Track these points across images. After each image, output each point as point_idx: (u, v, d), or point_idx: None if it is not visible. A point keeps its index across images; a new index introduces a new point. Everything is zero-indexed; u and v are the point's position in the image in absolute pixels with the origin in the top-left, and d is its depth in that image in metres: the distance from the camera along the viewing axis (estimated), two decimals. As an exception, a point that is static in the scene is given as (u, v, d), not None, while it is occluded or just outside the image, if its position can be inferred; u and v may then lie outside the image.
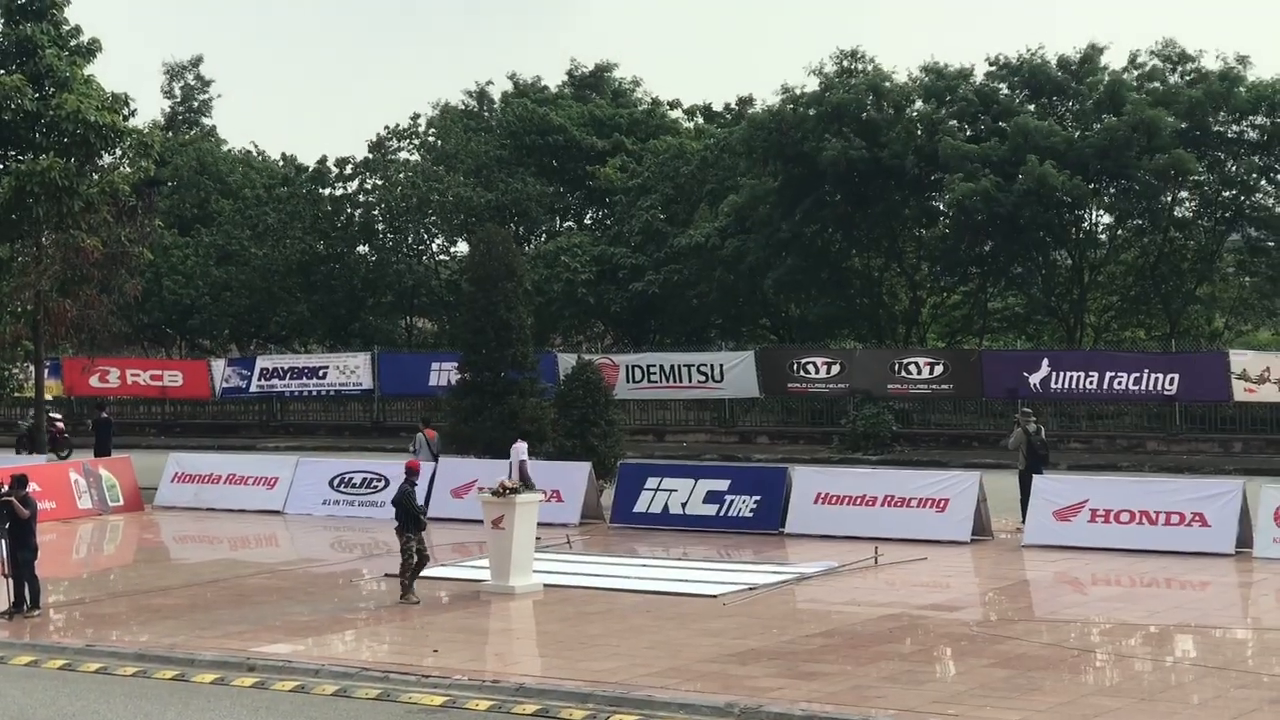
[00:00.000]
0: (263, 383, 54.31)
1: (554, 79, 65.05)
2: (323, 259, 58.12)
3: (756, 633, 19.72)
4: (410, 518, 22.41)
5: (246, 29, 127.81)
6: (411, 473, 23.03)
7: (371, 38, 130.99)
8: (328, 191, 59.02)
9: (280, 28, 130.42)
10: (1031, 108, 48.37)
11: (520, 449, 26.68)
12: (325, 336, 59.91)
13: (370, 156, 59.89)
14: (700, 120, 61.74)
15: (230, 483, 34.81)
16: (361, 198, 58.81)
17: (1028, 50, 48.80)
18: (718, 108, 62.21)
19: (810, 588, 23.65)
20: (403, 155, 60.75)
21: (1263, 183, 46.49)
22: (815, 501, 28.84)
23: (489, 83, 65.77)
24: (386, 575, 24.17)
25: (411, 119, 61.42)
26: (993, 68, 49.19)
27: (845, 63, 50.24)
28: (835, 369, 46.44)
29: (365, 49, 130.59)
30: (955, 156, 45.55)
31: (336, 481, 33.71)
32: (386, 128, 60.56)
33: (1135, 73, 48.01)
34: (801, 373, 46.82)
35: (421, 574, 22.72)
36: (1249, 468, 37.69)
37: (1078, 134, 46.19)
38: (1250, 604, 22.95)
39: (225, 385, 54.83)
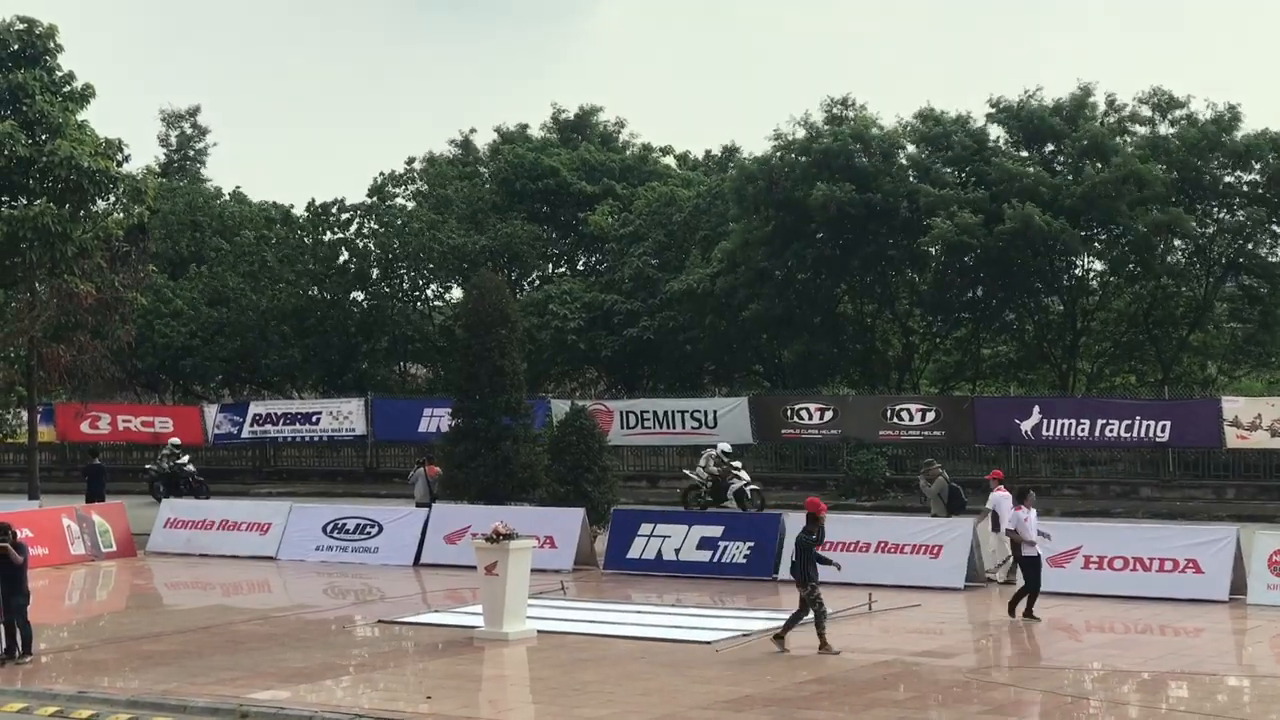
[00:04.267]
0: (255, 428, 54.24)
1: (537, 126, 65.19)
2: (317, 304, 58.05)
3: (750, 679, 19.69)
4: (807, 567, 21.72)
5: (236, 79, 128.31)
6: (812, 520, 22.25)
7: (357, 87, 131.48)
8: (327, 236, 58.84)
9: (263, 82, 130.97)
10: (1025, 154, 48.41)
11: (997, 498, 26.53)
12: (319, 382, 59.83)
13: (369, 200, 59.85)
14: (691, 172, 61.71)
15: (223, 529, 34.77)
16: (360, 243, 58.68)
17: (1025, 93, 48.62)
18: (704, 153, 62.33)
19: (804, 634, 23.60)
20: (399, 201, 60.82)
21: (1255, 234, 46.33)
22: (809, 548, 28.78)
23: (472, 130, 66.06)
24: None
25: (407, 163, 61.62)
26: (992, 109, 49.10)
27: (835, 110, 50.40)
28: (829, 415, 46.39)
29: (350, 99, 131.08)
30: (938, 203, 45.66)
31: (330, 528, 33.65)
32: (382, 173, 60.71)
33: (1115, 116, 48.01)
34: (795, 418, 46.77)
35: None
36: (1242, 514, 37.72)
37: (1064, 182, 45.88)
38: (1244, 651, 22.94)
39: (217, 431, 54.72)
